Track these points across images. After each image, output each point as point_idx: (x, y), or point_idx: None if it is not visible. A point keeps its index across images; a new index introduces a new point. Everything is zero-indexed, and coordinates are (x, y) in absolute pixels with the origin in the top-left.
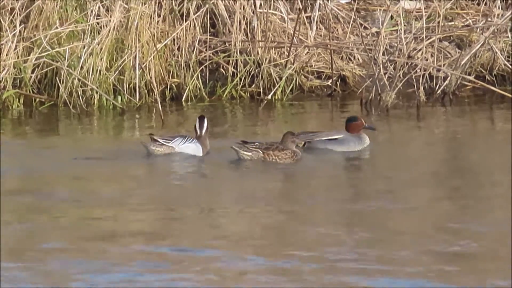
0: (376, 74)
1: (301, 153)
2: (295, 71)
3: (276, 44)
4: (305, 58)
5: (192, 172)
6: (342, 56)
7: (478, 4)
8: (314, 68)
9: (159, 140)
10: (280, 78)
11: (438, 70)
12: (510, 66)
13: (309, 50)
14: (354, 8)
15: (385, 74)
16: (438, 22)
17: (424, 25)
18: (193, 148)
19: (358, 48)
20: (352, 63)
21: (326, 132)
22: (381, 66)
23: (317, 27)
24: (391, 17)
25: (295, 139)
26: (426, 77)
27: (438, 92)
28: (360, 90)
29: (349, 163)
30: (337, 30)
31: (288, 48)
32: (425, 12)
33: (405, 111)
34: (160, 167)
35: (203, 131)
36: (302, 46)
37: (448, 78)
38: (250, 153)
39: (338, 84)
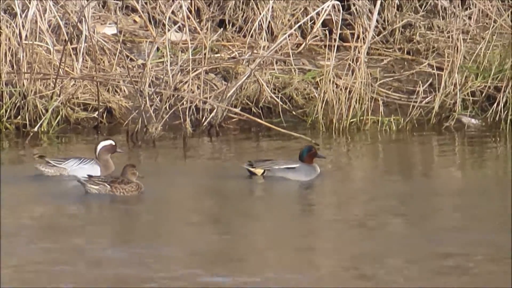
0: (142, 106)
1: (143, 187)
2: (61, 103)
3: (42, 75)
4: (71, 90)
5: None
6: (109, 88)
7: (244, 36)
8: (81, 100)
9: (51, 161)
10: (47, 110)
11: (205, 102)
12: (276, 99)
13: (75, 82)
14: (121, 40)
15: (151, 106)
16: (204, 54)
17: (190, 57)
18: (88, 170)
19: (124, 80)
20: (119, 95)
21: (283, 160)
22: (147, 98)
23: (83, 59)
24: (157, 49)
25: (135, 171)
26: (193, 109)
27: (204, 124)
28: (126, 122)
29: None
30: (104, 62)
31: (54, 80)
32: (191, 44)
33: (172, 143)
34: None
35: (97, 153)
36: (68, 77)
37: (215, 110)
38: (97, 187)
39: (105, 116)
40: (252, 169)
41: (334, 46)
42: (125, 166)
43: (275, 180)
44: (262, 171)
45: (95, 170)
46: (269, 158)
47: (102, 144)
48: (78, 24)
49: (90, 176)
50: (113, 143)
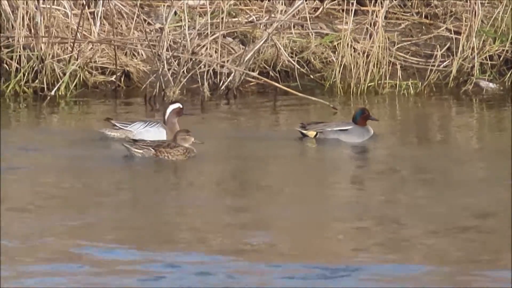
0: (160, 70)
1: (195, 151)
2: (79, 67)
3: (60, 39)
4: (89, 54)
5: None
6: (126, 52)
7: (262, 1)
8: (98, 64)
9: (117, 124)
10: (64, 74)
11: (222, 66)
12: (293, 63)
13: (93, 45)
14: (138, 4)
15: (169, 70)
16: (222, 18)
17: (208, 21)
18: (154, 133)
19: (142, 44)
20: (136, 58)
21: (336, 123)
22: (165, 62)
23: (100, 23)
24: (175, 13)
25: (186, 136)
26: (210, 73)
27: (222, 88)
28: (144, 85)
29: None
30: (121, 26)
31: (72, 44)
32: (209, 8)
33: (189, 107)
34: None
35: (166, 116)
36: (86, 41)
37: (232, 74)
38: (141, 151)
39: (122, 80)
40: (304, 131)
41: (351, 10)
42: (177, 131)
43: (327, 142)
44: (315, 133)
45: (161, 133)
46: (322, 121)
47: (171, 107)
48: None
49: (135, 140)
50: (181, 106)
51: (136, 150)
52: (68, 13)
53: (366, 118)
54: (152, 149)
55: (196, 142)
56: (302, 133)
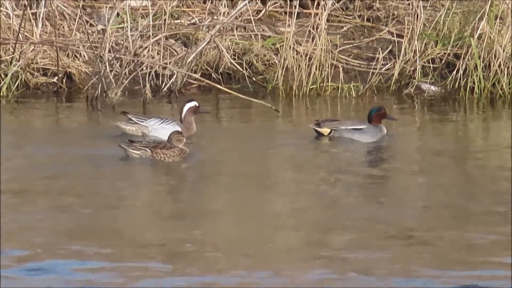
0: (102, 71)
1: (188, 151)
2: (20, 68)
3: (2, 40)
4: (31, 55)
5: None
6: (68, 53)
7: (204, 2)
8: (40, 65)
9: (133, 118)
10: (6, 75)
11: (164, 68)
12: (235, 65)
13: (34, 47)
14: (80, 5)
15: (111, 71)
16: (164, 20)
17: (151, 22)
18: (169, 130)
19: (84, 45)
20: (78, 60)
21: (350, 121)
22: (107, 63)
23: (43, 24)
24: (118, 14)
25: (181, 137)
26: (152, 74)
27: (164, 90)
28: (86, 87)
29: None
30: (63, 27)
31: (14, 45)
32: (151, 9)
33: (131, 108)
34: None
35: (183, 114)
36: (27, 42)
37: (174, 76)
38: (138, 152)
39: (64, 81)
40: (318, 129)
41: (294, 12)
42: (171, 132)
43: (341, 141)
44: (329, 131)
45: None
46: (337, 118)
47: (188, 105)
48: None
49: (131, 141)
50: (197, 104)
51: (133, 151)
52: (10, 14)
53: (383, 117)
54: (148, 150)
55: (188, 143)
56: (316, 131)
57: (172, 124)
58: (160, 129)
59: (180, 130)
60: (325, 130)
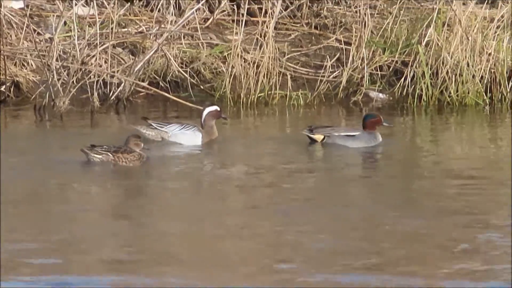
0: (50, 80)
1: (146, 156)
2: None
3: None
4: None
5: None
6: (16, 62)
7: (152, 11)
8: None
9: (153, 124)
10: None
11: (112, 77)
12: (183, 73)
13: None
14: (28, 14)
15: (58, 80)
16: (112, 29)
17: (98, 31)
18: (189, 136)
19: (31, 54)
20: (26, 69)
21: (344, 127)
22: (54, 72)
23: None
24: (65, 23)
25: (139, 142)
26: (100, 83)
27: (112, 98)
28: (34, 96)
29: None
30: (10, 35)
31: None
32: (98, 18)
33: (79, 117)
34: None
35: (203, 119)
36: None
37: (122, 85)
38: (100, 156)
39: (12, 90)
40: (312, 135)
41: (242, 20)
42: (128, 136)
43: (334, 147)
44: (322, 137)
45: (197, 137)
46: (330, 125)
47: (208, 110)
48: None
49: (93, 146)
50: (218, 109)
51: (95, 155)
52: None
53: (377, 124)
54: (110, 154)
55: (145, 148)
56: (309, 137)
57: (193, 129)
58: (180, 135)
59: (202, 135)
60: (318, 137)
